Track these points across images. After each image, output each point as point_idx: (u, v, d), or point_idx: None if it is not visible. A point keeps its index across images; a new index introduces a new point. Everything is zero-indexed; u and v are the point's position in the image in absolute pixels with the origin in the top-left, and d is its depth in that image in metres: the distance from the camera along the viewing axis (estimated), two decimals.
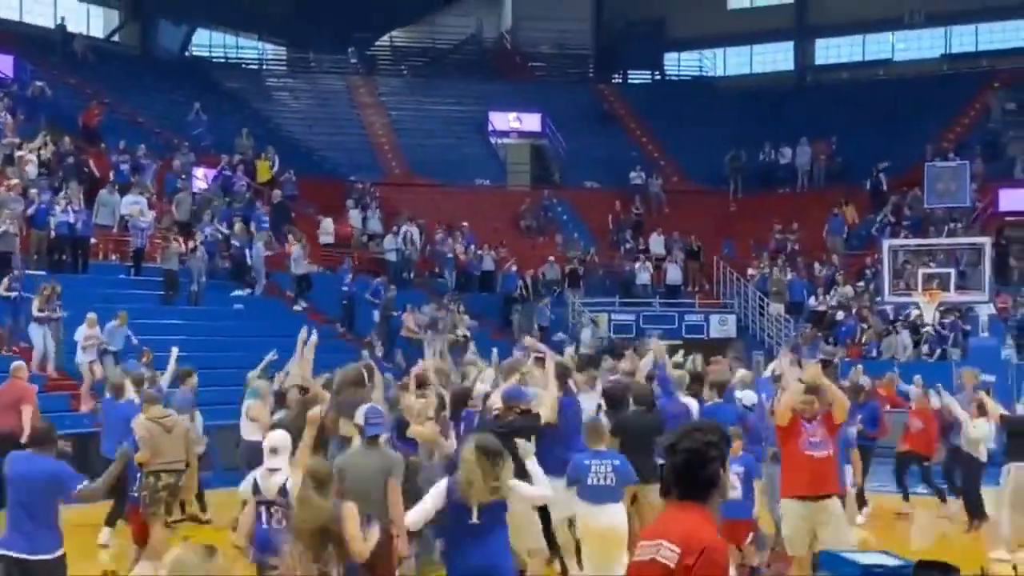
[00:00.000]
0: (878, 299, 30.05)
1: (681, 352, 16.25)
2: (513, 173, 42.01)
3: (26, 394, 16.12)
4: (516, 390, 11.21)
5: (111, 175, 28.85)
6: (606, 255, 36.85)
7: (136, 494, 11.87)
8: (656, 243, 36.60)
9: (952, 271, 27.56)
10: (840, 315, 30.95)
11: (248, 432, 13.89)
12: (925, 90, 41.05)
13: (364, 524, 7.60)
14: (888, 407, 18.58)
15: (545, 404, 11.08)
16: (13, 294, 21.98)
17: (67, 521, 8.78)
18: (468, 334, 27.87)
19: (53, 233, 25.20)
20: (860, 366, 21.25)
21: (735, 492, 10.97)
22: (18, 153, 27.45)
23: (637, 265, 35.00)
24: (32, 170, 26.98)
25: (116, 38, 43.23)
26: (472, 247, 34.13)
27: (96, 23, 42.87)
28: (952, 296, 27.12)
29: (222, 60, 45.31)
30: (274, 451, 8.84)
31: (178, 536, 14.18)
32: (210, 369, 20.03)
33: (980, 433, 14.98)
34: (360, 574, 7.72)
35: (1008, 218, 34.67)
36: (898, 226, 34.53)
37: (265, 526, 8.64)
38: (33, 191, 25.50)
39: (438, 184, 38.52)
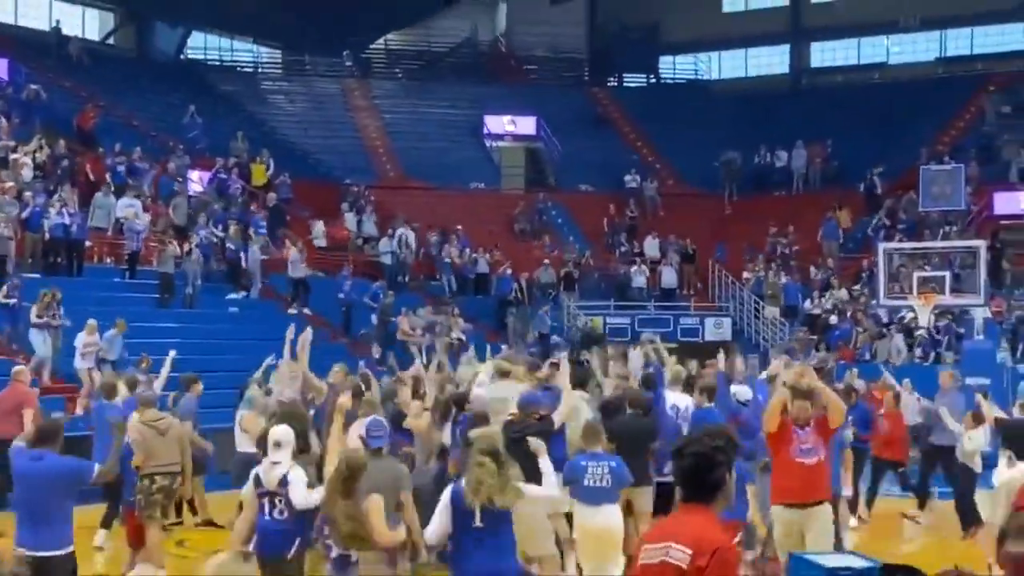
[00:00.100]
0: (873, 302, 30.08)
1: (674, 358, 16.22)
2: (508, 176, 42.02)
3: (27, 398, 16.12)
4: (532, 396, 11.33)
5: (107, 177, 28.82)
6: (601, 258, 36.86)
7: (132, 497, 11.91)
8: (651, 246, 36.62)
9: (947, 274, 27.57)
10: (834, 319, 30.99)
11: (241, 443, 13.83)
12: (920, 93, 41.10)
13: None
14: (882, 410, 18.60)
15: (560, 409, 11.14)
16: (12, 301, 21.95)
17: None
18: (463, 337, 27.89)
19: (47, 236, 25.18)
20: (855, 369, 21.23)
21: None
22: (13, 156, 27.41)
23: (633, 269, 35.02)
24: (27, 173, 26.94)
25: (111, 41, 43.20)
26: (467, 250, 34.14)
27: (91, 26, 42.83)
28: (947, 299, 27.13)
29: (217, 63, 45.29)
30: (278, 444, 8.91)
31: (173, 539, 14.21)
32: (205, 372, 19.92)
33: (976, 445, 14.93)
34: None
35: (1003, 221, 34.72)
36: (893, 229, 34.57)
37: (267, 517, 8.74)
38: (28, 194, 25.47)
39: (433, 187, 38.53)
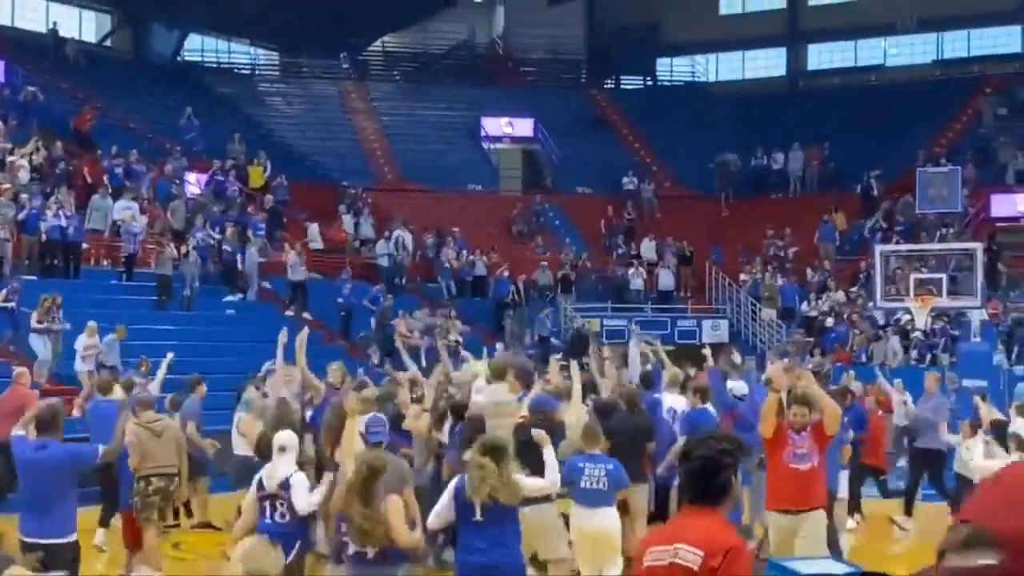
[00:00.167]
0: (870, 304, 30.09)
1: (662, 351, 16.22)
2: (505, 178, 42.01)
3: (28, 401, 16.09)
4: (543, 399, 11.37)
5: (103, 180, 28.82)
6: (598, 260, 36.87)
7: (129, 499, 11.94)
8: (648, 248, 36.64)
9: (944, 276, 27.58)
10: (830, 321, 30.99)
11: (239, 446, 13.80)
12: (917, 95, 41.12)
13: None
14: (881, 412, 18.64)
15: (570, 412, 11.25)
16: (11, 304, 21.94)
17: None
18: (460, 339, 27.89)
19: (44, 238, 25.18)
20: (853, 372, 21.26)
21: None
22: (10, 158, 27.42)
23: (631, 271, 35.03)
24: (24, 175, 26.95)
25: (108, 43, 43.19)
26: (464, 252, 34.14)
27: (88, 28, 42.82)
28: (944, 301, 27.14)
29: (214, 65, 45.28)
30: (282, 449, 9.04)
31: (170, 541, 14.20)
32: (202, 374, 19.96)
33: (972, 455, 14.89)
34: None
35: (1000, 223, 34.75)
36: (890, 231, 34.59)
37: (268, 520, 8.83)
38: (24, 196, 25.48)
39: (430, 189, 38.54)
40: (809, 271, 34.41)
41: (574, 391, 11.67)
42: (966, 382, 23.44)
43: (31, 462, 8.63)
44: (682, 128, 41.43)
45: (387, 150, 41.23)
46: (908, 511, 16.55)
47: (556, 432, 10.71)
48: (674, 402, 13.54)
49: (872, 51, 47.30)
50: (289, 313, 27.91)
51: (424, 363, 21.10)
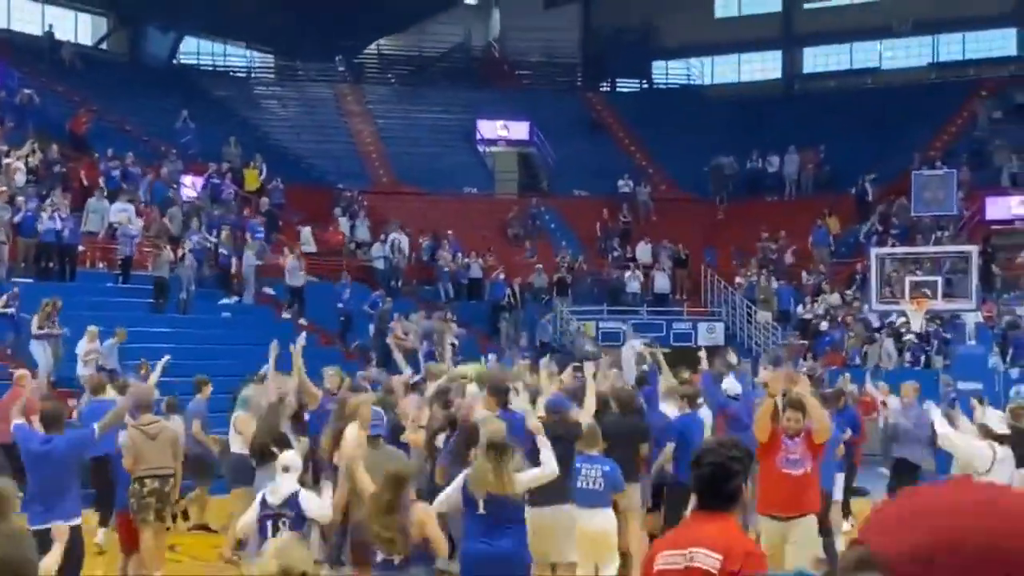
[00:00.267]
0: (865, 307, 30.11)
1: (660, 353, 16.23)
2: (501, 181, 42.03)
3: (31, 403, 16.08)
4: (559, 399, 11.47)
5: (99, 182, 28.81)
6: (594, 263, 36.88)
7: (125, 501, 11.98)
8: (644, 251, 36.64)
9: (939, 279, 27.61)
10: (824, 325, 30.98)
11: (235, 444, 13.81)
12: (912, 99, 41.14)
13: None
14: (875, 414, 18.64)
15: (585, 410, 11.30)
16: (10, 310, 21.91)
17: None
18: (456, 343, 27.88)
19: (40, 241, 25.17)
20: (848, 374, 21.27)
21: None
22: (6, 161, 27.42)
23: (627, 274, 35.04)
24: (20, 178, 26.94)
25: (104, 45, 43.17)
26: (459, 255, 34.14)
27: (84, 30, 42.82)
28: (939, 304, 27.17)
29: (210, 68, 45.27)
30: (286, 469, 9.11)
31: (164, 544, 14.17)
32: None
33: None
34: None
35: (995, 226, 34.81)
36: (886, 234, 34.63)
37: (271, 538, 8.68)
38: (20, 199, 25.47)
39: (426, 192, 38.54)
40: (804, 274, 34.45)
41: (587, 392, 11.71)
42: (961, 385, 23.49)
43: (39, 454, 9.12)
44: (678, 131, 41.42)
45: (383, 153, 41.23)
46: None
47: (572, 432, 10.84)
48: (667, 408, 13.57)
49: (867, 54, 47.33)
50: (286, 316, 27.94)
51: (422, 368, 21.06)
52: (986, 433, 11.83)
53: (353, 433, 10.06)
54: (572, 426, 10.96)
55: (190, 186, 32.29)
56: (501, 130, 42.36)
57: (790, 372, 12.83)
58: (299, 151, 39.46)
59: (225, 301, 28.15)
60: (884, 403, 17.11)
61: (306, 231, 32.46)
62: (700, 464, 5.04)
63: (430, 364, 16.30)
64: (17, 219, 25.08)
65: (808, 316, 31.95)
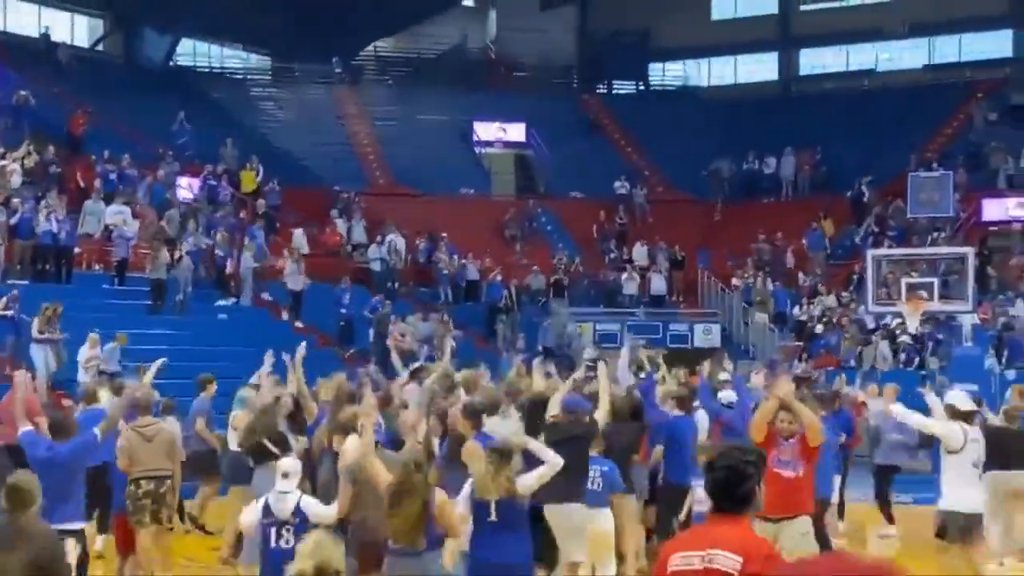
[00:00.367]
0: (861, 308, 30.13)
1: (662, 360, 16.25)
2: (497, 183, 42.06)
3: (32, 405, 16.08)
4: (575, 400, 11.51)
5: (95, 184, 28.79)
6: (591, 265, 36.88)
7: (122, 502, 12.00)
8: (640, 253, 36.65)
9: (935, 281, 27.64)
10: (819, 329, 30.97)
11: (232, 442, 13.81)
12: (909, 100, 41.20)
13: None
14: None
15: (600, 410, 11.39)
16: (10, 312, 21.88)
17: None
18: (454, 345, 27.81)
19: (36, 242, 25.17)
20: (844, 376, 21.27)
21: (704, 506, 11.13)
22: (1, 163, 27.40)
23: (624, 275, 35.06)
24: (16, 180, 26.93)
25: (100, 47, 43.14)
26: (455, 257, 34.13)
27: (80, 32, 42.80)
28: (936, 306, 27.19)
29: (207, 70, 45.26)
30: (285, 475, 9.19)
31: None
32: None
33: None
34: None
35: (991, 228, 34.84)
36: (882, 236, 34.66)
37: (273, 546, 8.96)
38: (16, 200, 25.46)
39: (422, 194, 38.53)
40: (801, 275, 34.46)
41: (602, 392, 11.73)
42: (958, 386, 23.46)
43: (44, 460, 9.29)
44: (674, 133, 41.45)
45: (379, 154, 41.23)
46: (890, 519, 16.47)
47: (588, 431, 10.95)
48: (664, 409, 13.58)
49: (864, 56, 47.34)
50: (286, 317, 27.95)
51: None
52: (953, 413, 11.87)
53: (353, 443, 10.07)
54: (588, 426, 11.05)
55: (186, 188, 32.28)
56: (498, 131, 42.39)
57: (789, 386, 12.84)
58: (296, 153, 39.40)
59: (222, 303, 28.13)
60: (865, 404, 17.08)
61: (298, 232, 32.17)
62: (714, 467, 5.12)
63: (428, 365, 16.26)
64: (13, 221, 25.08)
65: (804, 318, 31.95)
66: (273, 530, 8.98)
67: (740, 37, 47.02)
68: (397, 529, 8.30)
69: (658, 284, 35.21)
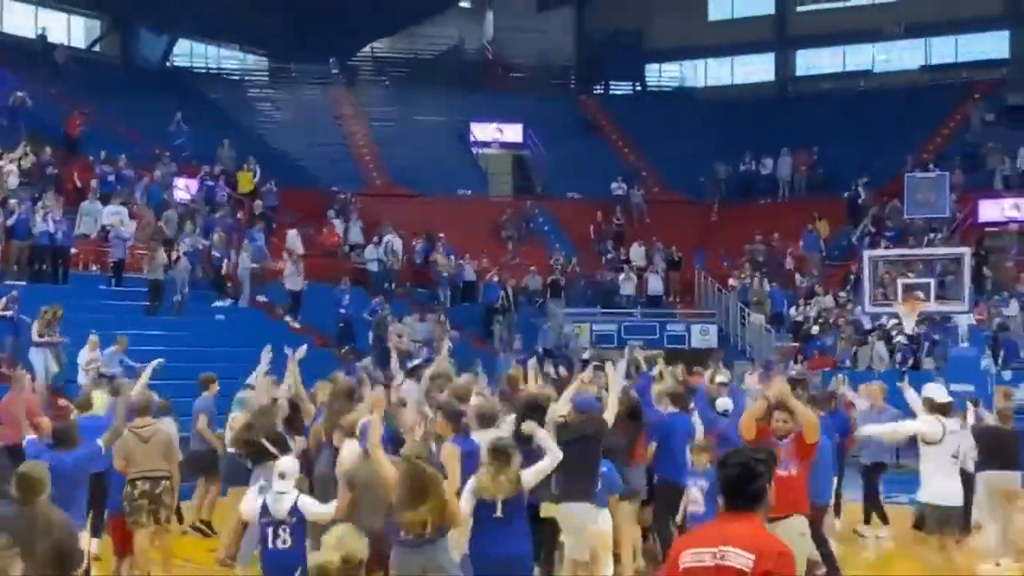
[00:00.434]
0: (857, 309, 30.15)
1: (661, 359, 16.26)
2: (494, 183, 42.08)
3: (33, 405, 16.10)
4: (587, 400, 11.59)
5: (92, 184, 28.78)
6: (588, 265, 36.89)
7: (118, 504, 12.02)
8: (637, 253, 36.67)
9: (931, 281, 27.65)
10: (815, 330, 30.96)
11: (231, 445, 13.81)
12: (905, 101, 41.24)
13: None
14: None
15: (609, 410, 11.44)
16: (9, 313, 21.86)
17: None
18: (451, 346, 27.82)
19: (33, 243, 25.15)
20: (842, 375, 21.28)
21: (698, 507, 11.23)
22: None
23: (621, 276, 35.07)
24: (13, 180, 26.92)
25: (97, 48, 43.14)
26: (452, 258, 34.13)
27: (77, 33, 42.76)
28: (932, 306, 27.21)
29: (203, 70, 45.26)
30: (283, 476, 9.34)
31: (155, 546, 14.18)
32: (194, 380, 19.92)
33: (966, 445, 14.87)
34: None
35: (987, 228, 34.87)
36: (879, 236, 34.68)
37: (271, 546, 9.15)
38: (13, 201, 25.45)
39: (419, 194, 38.53)
40: (798, 276, 34.48)
41: (611, 392, 11.76)
42: (954, 387, 23.47)
43: (51, 470, 9.01)
44: (671, 133, 41.48)
45: (376, 155, 41.24)
46: (884, 519, 16.45)
47: (600, 431, 11.01)
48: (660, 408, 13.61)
49: (860, 57, 47.40)
50: (287, 319, 27.96)
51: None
52: (931, 406, 11.99)
53: (351, 448, 10.11)
54: (600, 425, 11.10)
55: (183, 189, 32.26)
56: (495, 132, 42.41)
57: (778, 376, 12.87)
58: (293, 153, 39.41)
59: (219, 303, 28.13)
60: (852, 404, 17.11)
61: (291, 233, 31.85)
62: (726, 465, 5.20)
63: (425, 365, 16.29)
64: (10, 222, 25.06)
65: (801, 319, 31.97)
66: (271, 530, 9.11)
67: (737, 38, 47.07)
68: (414, 521, 8.33)
69: (655, 285, 35.23)
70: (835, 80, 47.33)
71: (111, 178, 29.55)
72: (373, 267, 32.51)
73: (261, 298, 29.21)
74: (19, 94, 31.65)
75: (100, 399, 14.39)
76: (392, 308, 29.86)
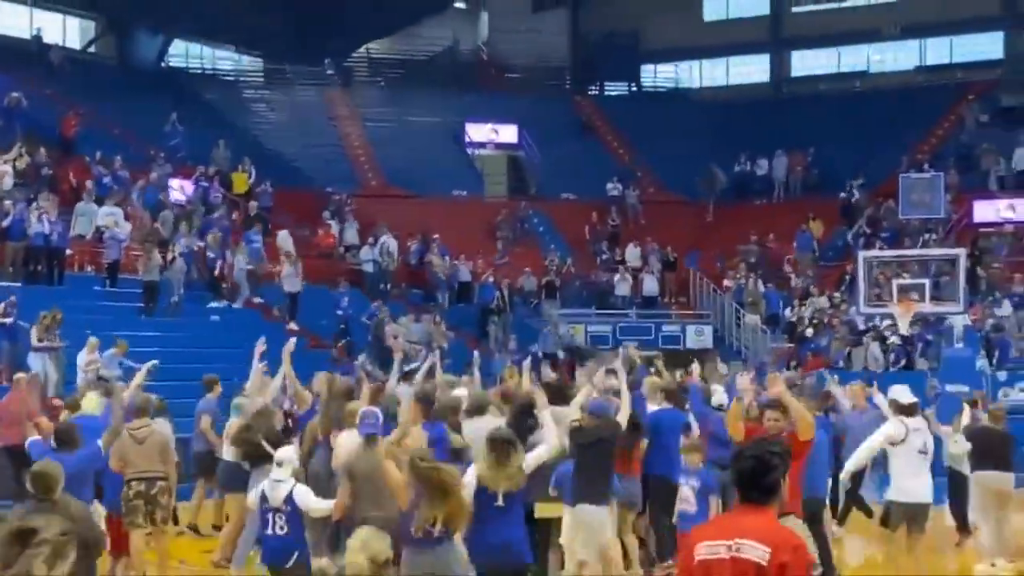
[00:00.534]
0: (852, 309, 30.18)
1: (660, 361, 16.28)
2: (490, 184, 42.07)
3: (33, 407, 16.10)
4: (601, 403, 11.70)
5: (87, 185, 28.75)
6: (583, 266, 36.91)
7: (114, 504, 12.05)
8: (632, 254, 36.69)
9: (926, 282, 27.70)
10: (810, 332, 30.98)
11: (229, 453, 13.79)
12: (900, 102, 41.28)
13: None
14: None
15: (622, 413, 11.56)
16: (8, 320, 21.83)
17: None
18: (446, 347, 27.88)
19: (28, 243, 25.13)
20: (836, 376, 21.30)
21: (690, 506, 11.25)
22: None
23: (616, 277, 35.08)
24: (8, 181, 26.89)
25: (93, 49, 43.10)
26: (447, 258, 34.13)
27: (72, 34, 42.70)
28: (927, 307, 27.24)
29: (199, 71, 45.25)
30: (280, 464, 9.68)
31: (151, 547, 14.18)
32: (190, 381, 19.97)
33: (962, 448, 14.89)
34: None
35: (982, 229, 34.92)
36: (874, 237, 34.73)
37: (269, 532, 9.56)
38: (7, 202, 25.43)
39: (415, 195, 38.53)
40: (793, 277, 34.51)
41: (622, 395, 11.82)
42: (949, 387, 23.57)
43: None
44: (666, 134, 41.46)
45: (371, 156, 41.23)
46: (842, 520, 16.39)
47: (614, 434, 11.10)
48: (650, 405, 13.63)
49: (856, 57, 47.44)
50: (281, 318, 27.95)
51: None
52: (898, 408, 12.29)
53: (347, 440, 10.15)
54: (614, 428, 11.16)
55: (178, 189, 32.24)
56: (490, 133, 42.39)
57: (775, 375, 12.90)
58: (288, 154, 39.41)
59: (214, 305, 28.12)
60: (834, 407, 17.14)
61: (282, 234, 31.61)
62: (741, 458, 5.23)
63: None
64: (5, 223, 25.04)
65: (794, 319, 31.98)
66: (270, 516, 9.52)
67: (732, 39, 47.10)
68: (427, 517, 8.33)
69: (650, 285, 35.24)
70: (830, 81, 47.38)
71: (106, 179, 29.52)
72: (368, 268, 32.50)
73: (257, 299, 29.22)
74: (14, 95, 31.59)
75: (93, 400, 14.36)
76: (388, 309, 29.88)
